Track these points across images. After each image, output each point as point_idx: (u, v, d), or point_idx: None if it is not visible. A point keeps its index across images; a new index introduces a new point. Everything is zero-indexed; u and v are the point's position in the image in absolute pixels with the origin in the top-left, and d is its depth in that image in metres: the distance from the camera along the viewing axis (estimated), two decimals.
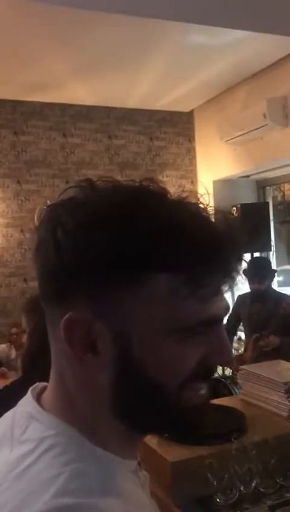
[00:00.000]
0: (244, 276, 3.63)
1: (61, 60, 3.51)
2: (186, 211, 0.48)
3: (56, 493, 0.43)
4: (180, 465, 1.29)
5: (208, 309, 0.48)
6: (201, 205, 0.50)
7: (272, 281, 3.50)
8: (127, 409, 0.50)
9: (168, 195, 0.50)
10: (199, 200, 0.50)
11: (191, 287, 0.46)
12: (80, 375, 0.50)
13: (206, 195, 0.51)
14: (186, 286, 0.46)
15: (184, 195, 0.50)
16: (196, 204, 0.50)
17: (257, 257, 3.91)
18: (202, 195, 0.51)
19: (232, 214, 0.59)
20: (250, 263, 3.55)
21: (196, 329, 0.48)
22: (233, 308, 3.70)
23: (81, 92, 4.17)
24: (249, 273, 3.49)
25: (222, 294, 0.50)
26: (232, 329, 3.56)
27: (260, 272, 3.41)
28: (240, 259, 0.50)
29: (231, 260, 0.49)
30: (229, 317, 3.71)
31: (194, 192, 0.51)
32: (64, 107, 4.45)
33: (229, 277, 0.49)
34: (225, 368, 4.17)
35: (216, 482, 1.23)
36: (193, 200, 0.50)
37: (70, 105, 4.45)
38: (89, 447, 0.49)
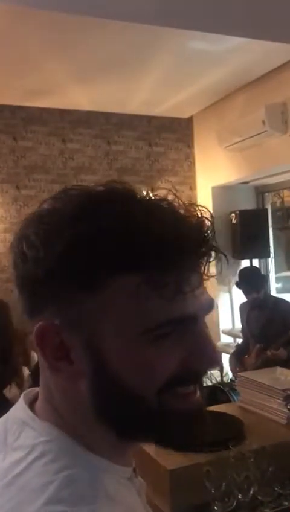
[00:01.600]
0: (238, 289, 3.65)
1: (60, 66, 3.52)
2: (144, 210, 0.47)
3: (47, 501, 0.43)
4: (178, 472, 1.28)
5: (176, 307, 0.46)
6: (169, 202, 0.49)
7: (265, 288, 3.51)
8: (110, 418, 0.49)
9: (133, 194, 0.49)
10: (168, 197, 0.50)
11: (152, 286, 0.45)
12: (60, 385, 0.50)
13: (175, 194, 0.50)
14: (148, 285, 0.45)
15: (154, 194, 0.50)
16: (165, 201, 0.49)
17: (246, 268, 3.91)
18: (172, 192, 0.50)
19: (206, 208, 0.55)
20: (240, 275, 3.58)
21: (166, 330, 0.46)
22: (241, 321, 3.71)
23: (80, 98, 4.19)
24: (242, 286, 3.52)
25: (193, 291, 0.47)
26: (247, 341, 3.55)
27: (249, 283, 3.45)
28: (208, 253, 0.48)
29: (195, 255, 0.47)
30: (242, 330, 3.71)
31: (167, 190, 0.51)
32: (63, 113, 4.46)
33: (195, 272, 0.48)
34: (223, 374, 4.17)
35: (214, 490, 1.22)
36: (164, 198, 0.49)
37: (70, 111, 4.46)
38: (81, 454, 0.48)
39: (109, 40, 3.16)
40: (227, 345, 4.19)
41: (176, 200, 0.49)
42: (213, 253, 0.49)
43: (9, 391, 2.46)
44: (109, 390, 0.48)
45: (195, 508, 1.26)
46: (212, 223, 0.49)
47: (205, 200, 4.81)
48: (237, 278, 3.68)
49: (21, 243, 0.49)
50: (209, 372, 3.88)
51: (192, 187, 4.95)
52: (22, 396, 0.55)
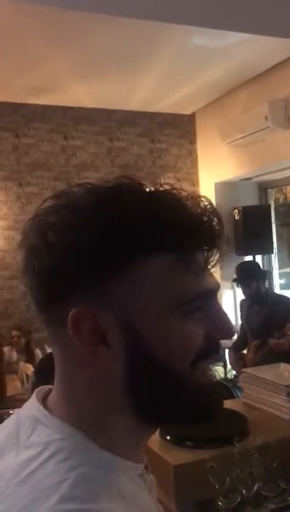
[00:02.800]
0: (236, 284, 3.64)
1: (62, 63, 3.52)
2: (162, 198, 0.51)
3: (60, 499, 0.43)
4: (182, 468, 1.29)
5: (203, 282, 0.50)
6: (174, 192, 0.52)
7: (260, 282, 3.48)
8: (143, 398, 0.50)
9: (145, 187, 0.52)
10: (172, 189, 0.52)
11: (184, 263, 0.48)
12: (90, 373, 0.50)
13: (178, 184, 0.53)
14: (180, 263, 0.48)
15: (157, 186, 0.53)
16: (170, 192, 0.52)
17: (241, 262, 3.90)
18: (174, 185, 0.53)
19: (206, 199, 0.57)
20: (236, 269, 3.56)
21: (196, 303, 0.50)
22: (241, 317, 3.71)
23: (82, 95, 4.19)
24: (238, 280, 3.51)
25: (211, 268, 0.52)
26: (245, 336, 3.56)
27: (245, 275, 3.43)
28: (220, 234, 0.52)
29: (212, 235, 0.51)
30: (241, 326, 3.72)
31: (168, 184, 0.53)
32: (65, 110, 4.46)
33: (214, 251, 0.51)
34: (226, 370, 4.18)
35: (218, 486, 1.22)
36: (167, 190, 0.52)
37: (72, 108, 4.46)
38: (95, 451, 0.49)
39: (111, 37, 3.16)
40: (231, 341, 4.19)
41: (181, 190, 0.52)
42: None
43: None
44: (146, 368, 0.49)
45: (199, 504, 1.26)
46: (215, 209, 0.53)
47: (208, 196, 4.78)
48: None
49: (44, 233, 0.49)
50: (213, 369, 3.89)
51: (195, 183, 4.94)
52: (34, 393, 0.55)
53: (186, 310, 0.49)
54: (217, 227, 0.52)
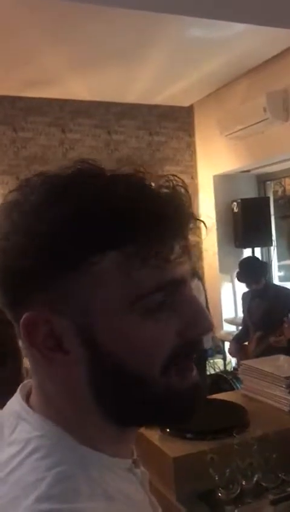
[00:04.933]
0: (239, 281, 3.66)
1: (59, 55, 3.49)
2: (121, 184, 0.46)
3: (38, 498, 0.42)
4: (182, 460, 1.30)
5: (164, 274, 0.46)
6: (136, 176, 0.48)
7: (265, 277, 3.51)
8: (110, 405, 0.47)
9: (102, 172, 0.48)
10: (137, 170, 0.48)
11: (140, 257, 0.44)
12: (54, 376, 0.48)
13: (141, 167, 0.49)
14: (135, 258, 0.44)
15: (122, 169, 0.49)
16: (134, 175, 0.48)
17: (245, 259, 3.91)
18: (141, 166, 0.48)
19: (177, 176, 0.52)
20: (239, 265, 3.58)
21: (156, 297, 0.45)
22: (243, 310, 3.73)
23: (79, 88, 4.16)
24: (241, 278, 3.53)
25: (178, 257, 0.47)
26: (247, 329, 3.57)
27: (249, 273, 3.45)
28: (188, 220, 0.48)
29: (178, 223, 0.47)
30: (242, 318, 3.73)
31: (133, 164, 0.49)
32: (63, 103, 4.43)
33: (178, 241, 0.47)
34: (226, 363, 4.19)
35: (218, 477, 1.23)
36: (131, 171, 0.48)
37: (70, 101, 4.43)
38: (76, 448, 0.47)
39: (109, 29, 3.13)
40: (230, 333, 4.21)
41: (147, 172, 0.48)
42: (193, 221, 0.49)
43: None
44: (108, 375, 0.46)
45: (199, 495, 1.27)
46: (186, 191, 0.48)
47: (206, 189, 4.80)
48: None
49: None
50: (212, 361, 3.90)
51: (193, 176, 4.93)
52: (19, 388, 0.54)
53: (145, 307, 0.45)
54: (183, 213, 0.47)
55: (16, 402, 0.52)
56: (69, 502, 0.42)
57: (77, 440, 0.47)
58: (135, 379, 0.46)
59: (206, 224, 0.51)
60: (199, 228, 0.50)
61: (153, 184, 0.48)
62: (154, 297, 0.45)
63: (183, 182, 0.48)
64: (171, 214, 0.46)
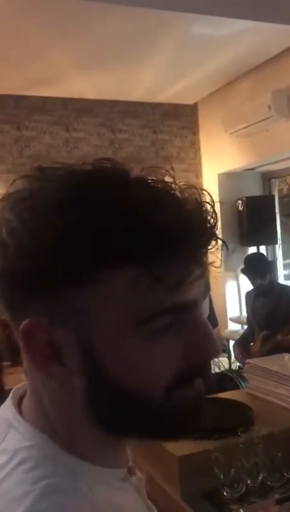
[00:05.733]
0: (244, 276, 3.64)
1: (63, 54, 3.49)
2: (145, 194, 0.43)
3: None
4: (187, 459, 1.29)
5: (176, 297, 0.43)
6: (165, 184, 0.44)
7: (271, 274, 3.49)
8: (105, 421, 0.46)
9: (126, 175, 0.44)
10: (162, 177, 0.45)
11: (150, 278, 0.41)
12: (50, 387, 0.46)
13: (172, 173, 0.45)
14: (145, 278, 0.41)
15: (147, 173, 0.45)
16: (161, 184, 0.44)
17: (250, 255, 3.90)
18: (168, 171, 0.45)
19: (206, 191, 0.51)
20: (245, 261, 3.56)
21: (163, 321, 0.43)
22: (246, 309, 3.71)
23: (84, 86, 4.16)
24: (246, 272, 3.51)
25: (192, 281, 0.43)
26: (251, 329, 3.56)
27: (256, 268, 3.43)
28: (210, 242, 0.44)
29: (197, 245, 0.43)
30: (247, 319, 3.72)
31: (163, 170, 0.46)
32: (67, 101, 4.43)
33: (197, 263, 0.44)
34: (231, 361, 4.18)
35: (223, 476, 1.22)
36: (160, 179, 0.44)
37: (74, 100, 4.43)
38: (65, 460, 0.45)
39: (113, 27, 3.12)
40: (235, 332, 4.20)
41: (173, 181, 0.45)
42: (214, 242, 0.45)
43: None
44: (105, 392, 0.44)
45: (204, 494, 1.27)
46: (213, 207, 0.44)
47: (211, 187, 4.78)
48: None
49: (1, 231, 0.43)
50: (217, 360, 3.87)
51: (198, 174, 4.91)
52: (11, 392, 0.52)
53: (151, 329, 0.42)
54: (207, 234, 0.43)
55: (6, 408, 0.50)
56: None
57: (68, 451, 0.46)
58: (134, 399, 0.44)
59: (228, 247, 0.47)
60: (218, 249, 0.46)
61: (178, 195, 0.44)
62: (162, 320, 0.43)
63: (211, 197, 0.45)
64: (195, 235, 0.43)
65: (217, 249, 0.45)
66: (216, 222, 0.45)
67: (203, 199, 0.45)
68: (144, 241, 0.41)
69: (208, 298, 3.94)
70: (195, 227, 0.43)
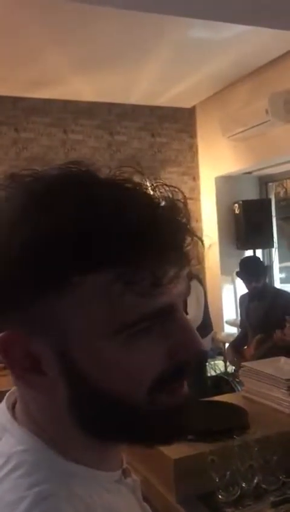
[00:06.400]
0: (239, 278, 3.65)
1: (62, 56, 3.49)
2: (111, 196, 0.42)
3: None
4: (182, 462, 1.29)
5: (151, 301, 0.42)
6: (135, 183, 0.44)
7: (265, 277, 3.50)
8: (92, 426, 0.45)
9: (93, 178, 0.44)
10: (131, 178, 0.44)
11: (126, 282, 0.40)
12: (34, 396, 0.46)
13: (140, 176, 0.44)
14: (117, 282, 0.40)
15: (118, 174, 0.44)
16: (128, 184, 0.43)
17: (246, 257, 3.92)
18: (139, 170, 0.44)
19: (178, 189, 0.45)
20: (240, 264, 3.58)
21: (142, 326, 0.42)
22: (241, 313, 3.71)
23: (82, 88, 4.16)
24: (242, 275, 3.52)
25: (168, 283, 0.42)
26: (245, 333, 3.57)
27: (250, 271, 3.44)
28: (185, 240, 0.43)
29: (171, 245, 0.42)
30: (240, 322, 3.72)
31: (132, 167, 0.45)
32: (65, 103, 4.44)
33: (172, 263, 0.42)
34: (227, 364, 4.19)
35: (218, 479, 1.22)
36: (129, 179, 0.44)
37: (71, 102, 4.44)
38: (59, 464, 0.45)
39: (111, 30, 3.13)
40: (231, 335, 4.20)
41: (144, 180, 0.44)
42: (190, 239, 0.44)
43: None
44: (88, 398, 0.44)
45: (199, 497, 1.27)
46: (185, 204, 0.44)
47: (208, 190, 4.80)
48: None
49: None
50: (213, 363, 3.87)
51: (195, 178, 4.93)
52: (6, 396, 0.51)
53: (129, 334, 0.42)
54: (180, 233, 0.43)
55: (1, 412, 0.50)
56: None
57: (61, 455, 0.46)
58: (117, 404, 0.44)
59: (204, 243, 0.47)
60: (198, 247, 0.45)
61: (148, 195, 0.43)
62: (140, 326, 0.42)
63: (183, 195, 0.44)
64: (168, 236, 0.42)
65: (195, 246, 0.45)
66: (189, 220, 0.44)
67: (176, 197, 0.44)
68: (112, 245, 0.40)
69: (203, 304, 3.94)
70: (166, 227, 0.42)
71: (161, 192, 0.44)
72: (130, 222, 0.41)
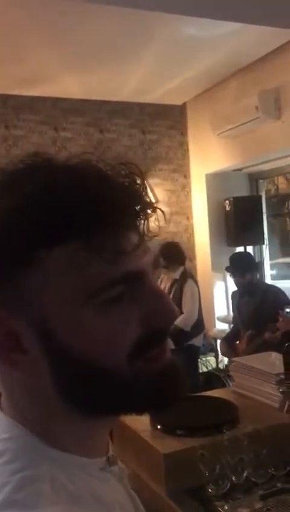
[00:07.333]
0: (229, 274, 3.67)
1: (51, 53, 3.48)
2: (68, 174, 0.45)
3: (0, 504, 0.41)
4: (172, 456, 1.30)
5: (119, 267, 0.44)
6: (93, 164, 0.47)
7: (254, 273, 3.50)
8: (79, 399, 0.46)
9: (51, 163, 0.47)
10: (90, 158, 0.47)
11: (91, 250, 0.43)
12: (18, 378, 0.47)
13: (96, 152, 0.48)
14: (86, 251, 0.43)
15: (73, 156, 0.47)
16: (85, 164, 0.47)
17: (236, 253, 3.95)
18: (95, 154, 0.47)
19: (134, 165, 0.49)
20: (230, 259, 3.59)
21: (113, 292, 0.44)
22: (232, 308, 3.73)
23: (72, 86, 4.15)
24: (230, 269, 3.53)
25: (133, 250, 0.45)
26: (237, 328, 3.59)
27: (239, 266, 3.45)
28: (144, 209, 0.46)
29: (131, 214, 0.46)
30: (233, 318, 3.74)
31: (86, 153, 0.48)
32: (55, 101, 4.42)
33: (134, 231, 0.46)
34: (218, 360, 4.21)
35: (208, 473, 1.23)
36: (84, 158, 0.47)
37: (62, 99, 4.42)
38: (43, 451, 0.46)
39: (101, 27, 3.13)
40: (222, 331, 4.22)
41: (101, 160, 0.47)
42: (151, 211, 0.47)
43: None
44: (71, 370, 0.45)
45: (190, 491, 1.28)
46: (142, 178, 0.47)
47: (199, 187, 4.81)
48: None
49: None
50: (204, 359, 3.89)
51: (186, 175, 4.93)
52: None
53: (102, 300, 0.44)
54: (138, 202, 0.46)
55: None
56: (30, 508, 0.41)
57: (45, 442, 0.46)
58: (99, 372, 0.45)
59: (164, 212, 0.49)
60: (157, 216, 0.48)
61: (105, 172, 0.46)
62: (112, 291, 0.44)
63: (139, 170, 0.47)
64: (127, 205, 0.45)
65: (155, 218, 0.48)
66: (146, 192, 0.47)
67: (134, 171, 0.47)
68: (76, 216, 0.43)
69: (198, 303, 3.95)
70: (125, 198, 0.45)
71: (118, 170, 0.47)
72: (89, 195, 0.43)
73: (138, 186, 0.47)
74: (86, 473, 0.48)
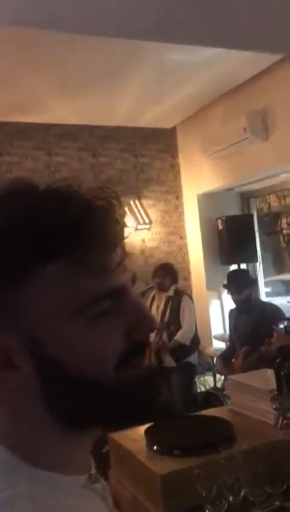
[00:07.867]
0: (227, 292, 3.69)
1: (43, 82, 3.56)
2: (54, 197, 0.49)
3: None
4: (169, 477, 1.30)
5: (105, 283, 0.47)
6: (73, 188, 0.50)
7: (251, 290, 3.54)
8: (67, 411, 0.48)
9: (37, 188, 0.50)
10: (71, 183, 0.50)
11: (79, 267, 0.46)
12: (4, 396, 0.48)
13: (76, 179, 0.51)
14: (75, 267, 0.46)
15: (55, 184, 0.51)
16: (68, 188, 0.50)
17: (233, 270, 3.98)
18: (75, 179, 0.51)
19: (110, 189, 0.47)
20: (227, 276, 3.62)
21: (100, 307, 0.47)
22: (229, 327, 3.74)
23: (64, 112, 4.23)
24: (227, 286, 3.56)
25: (118, 266, 0.49)
26: (234, 346, 3.59)
27: (236, 282, 3.48)
28: (122, 229, 0.50)
29: (114, 233, 0.49)
30: (229, 335, 3.75)
31: (67, 178, 0.51)
32: (48, 127, 4.49)
33: (115, 250, 0.49)
34: (216, 380, 4.19)
35: (205, 493, 1.23)
36: (64, 185, 0.50)
37: (54, 125, 4.50)
38: (24, 471, 0.46)
39: (91, 55, 3.21)
40: (219, 350, 4.21)
41: (80, 186, 0.51)
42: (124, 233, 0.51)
43: None
44: (60, 383, 0.47)
45: None
46: (119, 202, 0.51)
47: (191, 207, 4.86)
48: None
49: None
50: (202, 378, 3.85)
51: (178, 196, 5.00)
52: None
53: (90, 315, 0.47)
54: (118, 224, 0.49)
55: None
56: None
57: (27, 461, 0.47)
58: (88, 384, 0.47)
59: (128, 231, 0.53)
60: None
61: (85, 196, 0.50)
62: (99, 306, 0.47)
63: (116, 194, 0.51)
64: (107, 224, 0.49)
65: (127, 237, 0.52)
66: (124, 214, 0.52)
67: (111, 195, 0.50)
68: (64, 236, 0.46)
69: (194, 319, 3.95)
70: (107, 219, 0.49)
71: (97, 193, 0.50)
72: (77, 215, 0.47)
73: (116, 209, 0.50)
74: (68, 491, 0.48)
